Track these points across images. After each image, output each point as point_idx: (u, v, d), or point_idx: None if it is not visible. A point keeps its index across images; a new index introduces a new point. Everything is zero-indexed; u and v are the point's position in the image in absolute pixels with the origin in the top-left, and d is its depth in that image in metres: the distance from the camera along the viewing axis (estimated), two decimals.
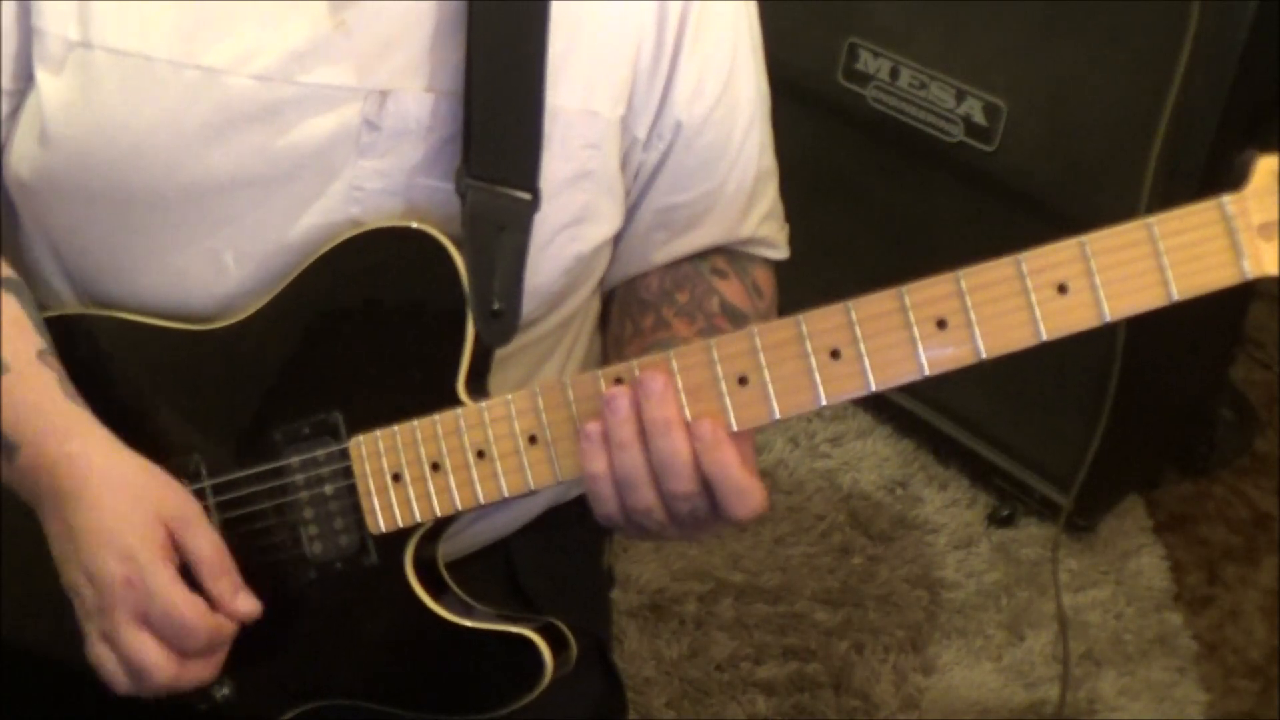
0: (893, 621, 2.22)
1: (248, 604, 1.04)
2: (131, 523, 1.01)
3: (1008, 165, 2.11)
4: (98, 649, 1.03)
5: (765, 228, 1.26)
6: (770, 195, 1.27)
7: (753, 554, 2.30)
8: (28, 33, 1.08)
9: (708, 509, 0.97)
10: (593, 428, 0.98)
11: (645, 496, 0.97)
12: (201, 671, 1.03)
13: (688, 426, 0.96)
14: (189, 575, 1.03)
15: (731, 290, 1.22)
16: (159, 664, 1.01)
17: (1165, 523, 2.41)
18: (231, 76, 1.06)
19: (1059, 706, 2.11)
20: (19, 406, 1.05)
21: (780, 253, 1.29)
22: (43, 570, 1.08)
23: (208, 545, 1.03)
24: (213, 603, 1.02)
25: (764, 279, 1.26)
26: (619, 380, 0.98)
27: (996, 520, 2.38)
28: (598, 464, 0.98)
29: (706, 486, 0.96)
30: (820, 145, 2.34)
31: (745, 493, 0.96)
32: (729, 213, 1.22)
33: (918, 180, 2.28)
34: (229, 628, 1.03)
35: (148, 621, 1.00)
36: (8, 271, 1.12)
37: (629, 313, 1.23)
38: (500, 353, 1.10)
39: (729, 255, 1.25)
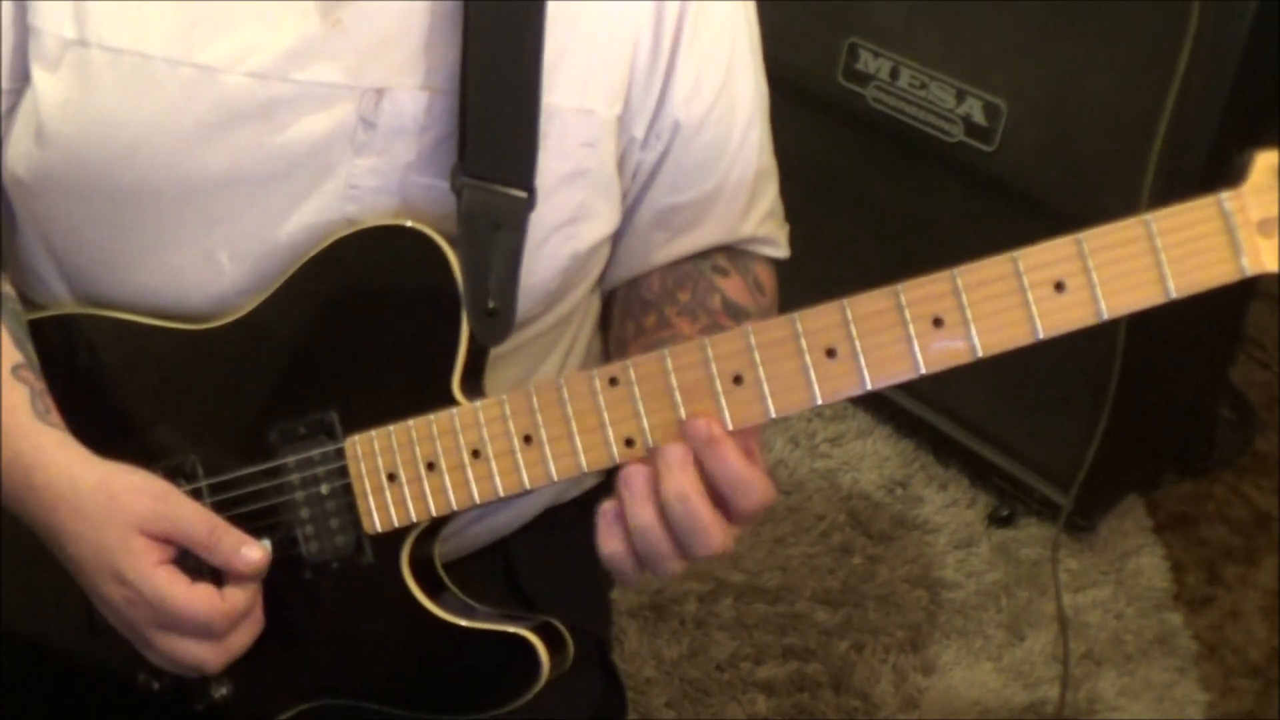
0: (893, 621, 2.22)
1: (253, 554, 1.03)
2: (108, 543, 1.00)
3: (1008, 165, 2.11)
4: (150, 657, 1.04)
5: (766, 227, 1.26)
6: (770, 194, 1.26)
7: (753, 554, 2.30)
8: (24, 32, 1.08)
9: (722, 533, 0.97)
10: (608, 508, 0.97)
11: (671, 566, 0.98)
12: (247, 636, 1.04)
13: (684, 425, 0.95)
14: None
15: (733, 287, 1.22)
16: (201, 656, 1.02)
17: (1165, 523, 2.42)
18: (227, 74, 1.06)
19: (1059, 706, 2.11)
20: None
21: (781, 251, 1.29)
22: (43, 569, 1.08)
23: (190, 528, 1.02)
24: (218, 572, 1.02)
25: (765, 275, 1.26)
26: (614, 380, 0.98)
27: (996, 520, 2.38)
28: (614, 544, 0.98)
29: (711, 488, 0.96)
30: (820, 145, 2.34)
31: (748, 485, 0.95)
32: (729, 212, 1.22)
33: (918, 180, 2.28)
34: (242, 596, 1.03)
35: (168, 627, 1.01)
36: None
37: (631, 312, 1.23)
38: (497, 351, 1.10)
39: (730, 253, 1.24)
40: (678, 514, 0.95)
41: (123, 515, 1.01)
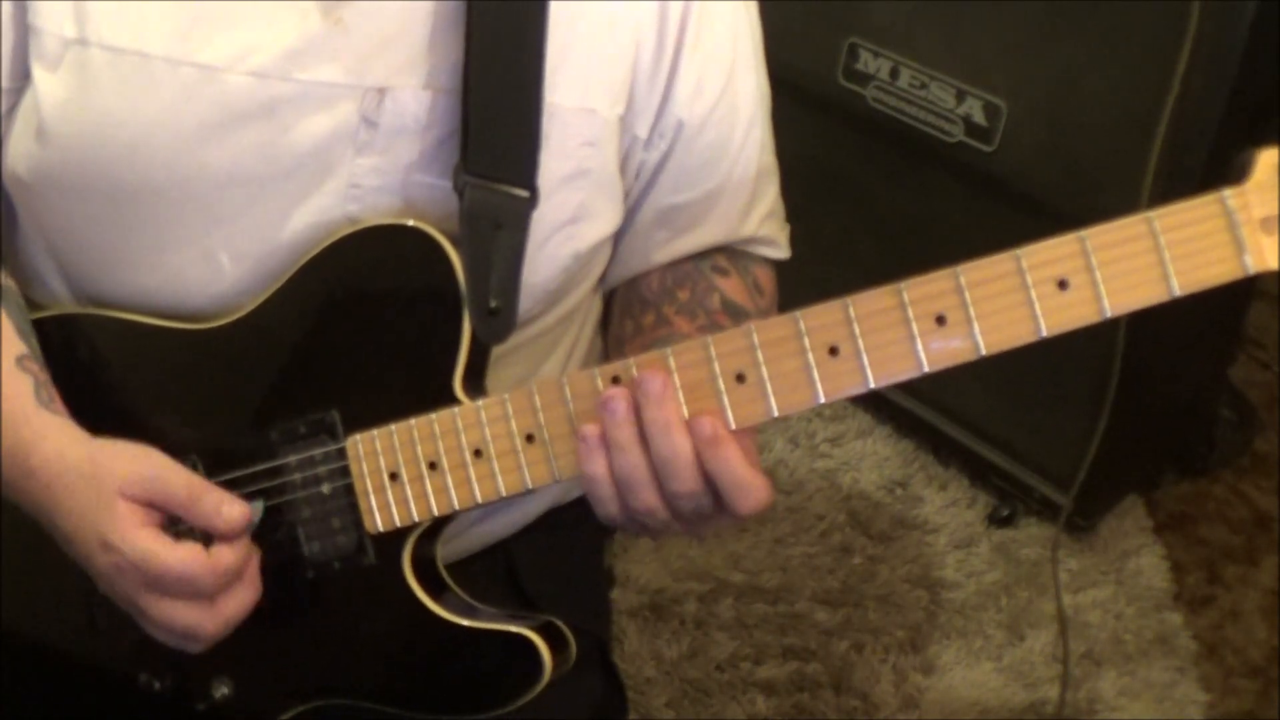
0: (893, 621, 2.22)
1: (233, 510, 1.03)
2: (93, 512, 1.01)
3: (1008, 165, 2.11)
4: (146, 628, 1.04)
5: (766, 227, 1.26)
6: (771, 194, 1.26)
7: (753, 554, 2.30)
8: (24, 31, 1.08)
9: (711, 505, 0.97)
10: (589, 430, 0.97)
11: (647, 497, 0.97)
12: (241, 601, 1.04)
13: (688, 425, 0.95)
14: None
15: (732, 288, 1.22)
16: (194, 619, 1.01)
17: (1165, 523, 2.41)
18: (228, 74, 1.06)
19: (1059, 706, 2.11)
20: None
21: (781, 252, 1.29)
22: (43, 569, 1.09)
23: (169, 486, 1.02)
24: (204, 531, 1.02)
25: (765, 277, 1.26)
26: (616, 379, 0.98)
27: (996, 520, 2.38)
28: (596, 466, 0.97)
29: (709, 483, 0.96)
30: (820, 145, 2.34)
31: (748, 488, 0.95)
32: (731, 212, 1.22)
33: (918, 180, 2.28)
34: (230, 554, 1.02)
35: (158, 588, 1.00)
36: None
37: (630, 311, 1.23)
38: (499, 350, 1.10)
39: (730, 253, 1.24)
40: (658, 444, 0.95)
41: (106, 481, 1.01)
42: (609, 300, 1.29)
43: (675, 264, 1.22)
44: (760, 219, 1.25)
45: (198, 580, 1.00)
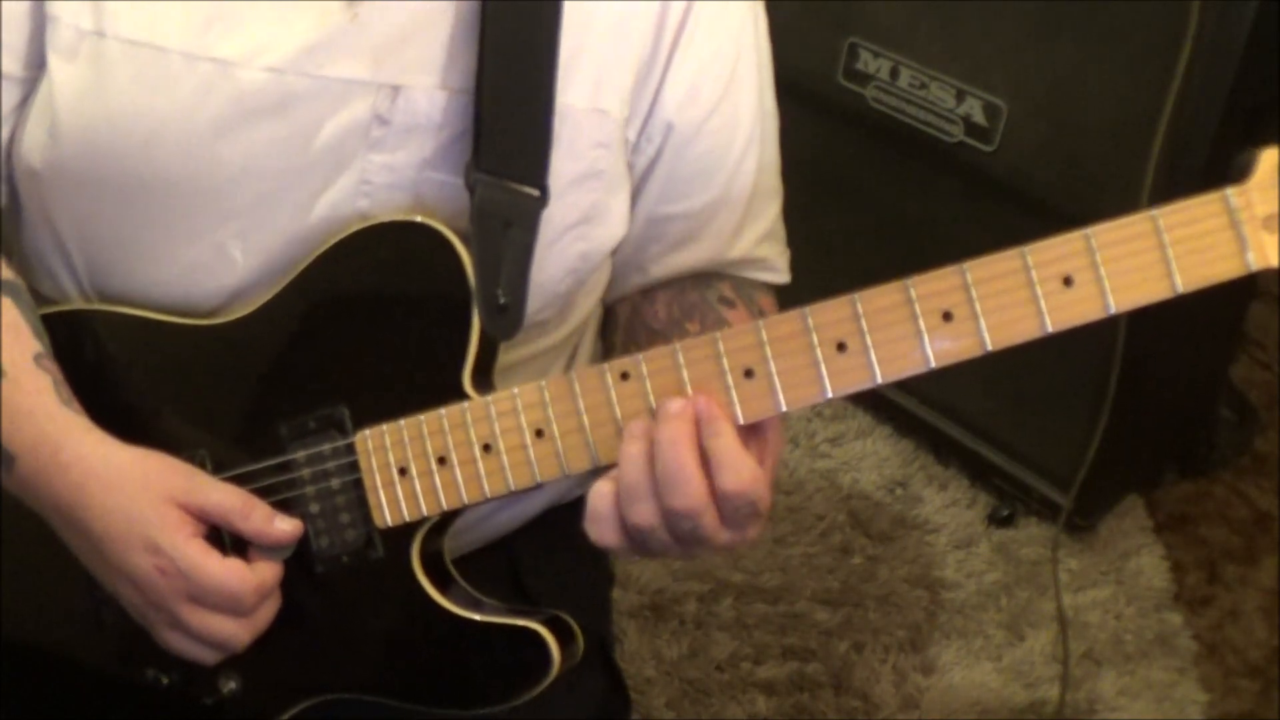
0: (893, 621, 2.22)
1: (286, 524, 1.06)
2: (143, 514, 1.02)
3: (1008, 165, 2.11)
4: (168, 636, 1.05)
5: (764, 249, 1.26)
6: (770, 215, 1.26)
7: (753, 554, 2.30)
8: (41, 19, 1.08)
9: (710, 526, 0.97)
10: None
11: (645, 511, 0.97)
12: (270, 613, 1.06)
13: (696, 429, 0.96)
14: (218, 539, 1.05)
15: (739, 319, 1.21)
16: (232, 632, 1.03)
17: (1165, 523, 2.42)
18: (244, 69, 1.06)
19: (1059, 706, 2.11)
20: (13, 415, 1.04)
21: (780, 276, 1.28)
22: (49, 564, 1.09)
23: (222, 497, 1.04)
24: (251, 541, 1.05)
25: (769, 305, 1.26)
26: (625, 375, 0.99)
27: (996, 520, 2.39)
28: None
29: (704, 464, 0.96)
30: (820, 145, 2.34)
31: (738, 463, 0.95)
32: (724, 229, 1.22)
33: (918, 180, 2.28)
34: (270, 571, 1.05)
35: (199, 600, 1.02)
36: (6, 274, 1.12)
37: (635, 339, 1.23)
38: (504, 362, 1.10)
39: (734, 283, 1.24)
40: (665, 458, 0.95)
41: (158, 487, 1.03)
42: (610, 327, 1.29)
43: (681, 294, 1.22)
44: (755, 240, 1.24)
45: (242, 596, 1.02)
